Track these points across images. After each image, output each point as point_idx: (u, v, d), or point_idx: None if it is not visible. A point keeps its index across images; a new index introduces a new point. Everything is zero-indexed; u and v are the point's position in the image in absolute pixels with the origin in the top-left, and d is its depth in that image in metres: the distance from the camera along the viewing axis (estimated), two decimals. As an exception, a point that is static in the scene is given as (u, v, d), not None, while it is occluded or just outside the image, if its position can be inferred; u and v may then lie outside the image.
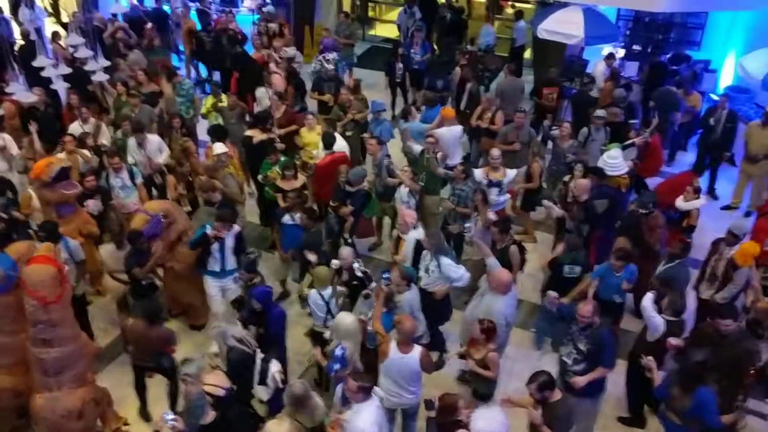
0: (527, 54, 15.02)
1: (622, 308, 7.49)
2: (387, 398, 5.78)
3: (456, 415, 5.33)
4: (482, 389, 6.28)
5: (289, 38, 13.58)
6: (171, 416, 5.20)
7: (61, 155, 8.89)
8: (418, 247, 7.40)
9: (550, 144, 10.42)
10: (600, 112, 9.97)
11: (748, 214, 10.19)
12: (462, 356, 6.65)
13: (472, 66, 12.40)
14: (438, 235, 7.44)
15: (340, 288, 6.93)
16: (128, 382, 7.01)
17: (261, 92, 11.08)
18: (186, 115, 11.01)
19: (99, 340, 7.86)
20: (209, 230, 7.37)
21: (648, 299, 6.53)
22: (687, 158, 11.70)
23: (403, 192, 8.78)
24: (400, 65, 12.92)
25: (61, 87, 10.21)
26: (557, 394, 5.49)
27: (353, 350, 6.24)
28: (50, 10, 17.33)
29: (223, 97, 10.77)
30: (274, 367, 6.23)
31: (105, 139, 9.94)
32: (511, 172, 9.00)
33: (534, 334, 8.19)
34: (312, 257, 7.49)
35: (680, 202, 8.44)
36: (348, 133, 10.18)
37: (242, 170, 9.66)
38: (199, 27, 14.55)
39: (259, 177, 9.14)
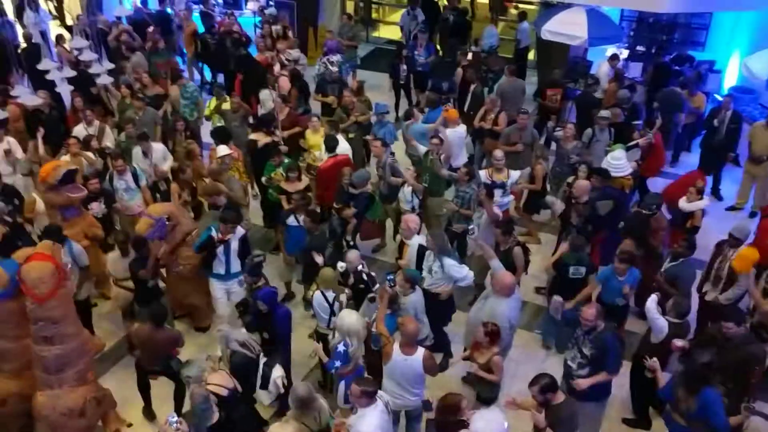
0: (531, 55, 15.00)
1: (626, 311, 7.47)
2: (391, 401, 5.77)
3: (459, 415, 5.32)
4: (485, 393, 6.27)
5: (292, 40, 13.60)
6: (175, 419, 5.21)
7: (66, 158, 8.92)
8: (422, 252, 7.39)
9: (553, 145, 10.41)
10: (604, 113, 9.96)
11: (753, 215, 10.16)
12: (467, 359, 6.65)
13: (476, 67, 12.40)
14: (441, 236, 7.44)
15: (344, 289, 6.93)
16: (132, 384, 7.02)
17: (265, 94, 11.10)
18: (190, 118, 11.05)
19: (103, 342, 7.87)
20: (214, 233, 7.40)
21: (652, 301, 6.51)
22: (691, 159, 11.66)
23: (406, 192, 8.78)
24: (404, 67, 12.93)
25: (65, 90, 10.26)
26: (560, 397, 5.48)
27: (357, 347, 6.25)
28: (55, 13, 17.43)
29: (227, 99, 10.79)
30: (276, 372, 6.25)
31: (109, 141, 9.98)
32: (515, 174, 9.00)
33: (539, 335, 8.19)
34: (319, 259, 7.50)
35: (683, 203, 8.42)
36: (351, 135, 10.19)
37: (246, 172, 9.67)
38: (202, 29, 14.57)
39: (263, 179, 9.16)
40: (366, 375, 6.59)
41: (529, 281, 8.67)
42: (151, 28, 13.33)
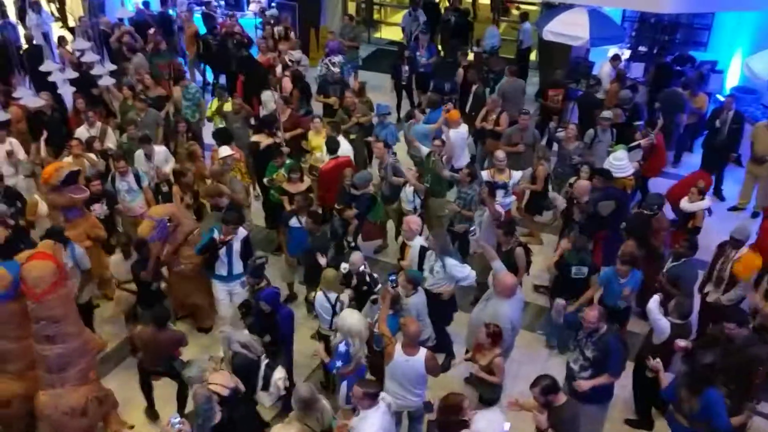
0: (533, 56, 15.01)
1: (628, 312, 7.45)
2: (393, 401, 5.77)
3: (461, 415, 5.32)
4: (487, 394, 6.26)
5: (294, 42, 13.61)
6: (177, 419, 5.22)
7: (68, 159, 8.94)
8: (423, 253, 7.40)
9: (555, 146, 10.40)
10: (606, 114, 9.95)
11: (755, 215, 10.15)
12: (469, 360, 6.64)
13: (478, 68, 12.41)
14: (443, 235, 7.45)
15: (344, 290, 6.93)
16: (134, 386, 7.03)
17: (267, 95, 11.11)
18: (192, 119, 11.06)
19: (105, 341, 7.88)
20: (216, 235, 7.40)
21: (654, 302, 6.50)
22: (693, 159, 11.65)
23: (408, 192, 8.79)
24: (406, 68, 12.94)
25: (67, 91, 10.26)
26: (562, 398, 5.46)
27: (359, 347, 6.25)
28: (57, 14, 17.48)
29: (228, 100, 10.80)
30: (278, 374, 6.25)
31: (111, 143, 9.98)
32: (517, 174, 9.00)
33: (541, 335, 8.19)
34: (322, 260, 7.51)
35: (685, 204, 8.42)
36: (352, 136, 10.19)
37: (248, 173, 9.68)
38: (203, 31, 14.59)
39: (265, 180, 9.16)
40: (369, 375, 6.61)
41: (529, 281, 8.66)
42: (152, 30, 13.35)
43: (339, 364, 6.17)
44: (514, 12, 17.31)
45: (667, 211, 8.69)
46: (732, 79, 13.54)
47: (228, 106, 10.66)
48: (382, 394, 5.47)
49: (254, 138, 9.97)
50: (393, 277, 6.65)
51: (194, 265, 7.78)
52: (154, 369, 6.79)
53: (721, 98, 12.10)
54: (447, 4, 15.95)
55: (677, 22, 13.71)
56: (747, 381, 6.10)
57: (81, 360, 6.15)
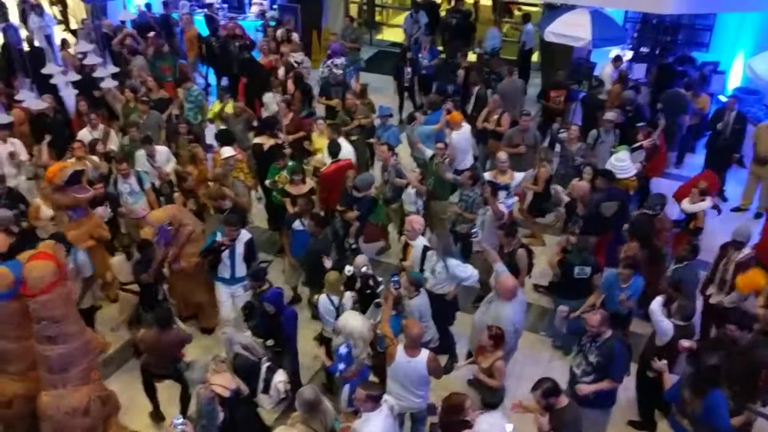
0: (535, 57, 15.01)
1: (630, 315, 7.43)
2: (396, 403, 5.76)
3: (463, 415, 5.32)
4: (489, 398, 6.21)
5: (296, 44, 13.62)
6: (180, 420, 5.21)
7: (71, 162, 8.94)
8: (425, 253, 7.39)
9: (558, 147, 10.40)
10: (609, 115, 9.94)
11: (758, 216, 10.14)
12: (473, 362, 6.63)
13: (479, 69, 12.41)
14: (446, 235, 7.44)
15: (344, 293, 6.94)
16: (137, 388, 7.02)
17: (268, 97, 11.12)
18: (194, 121, 11.07)
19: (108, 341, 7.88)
20: (219, 237, 7.41)
21: (657, 303, 6.49)
22: (695, 160, 11.64)
23: (410, 194, 8.78)
24: (409, 70, 12.94)
25: (69, 94, 10.27)
26: (563, 401, 5.45)
27: (362, 349, 6.25)
28: (59, 17, 17.51)
29: (230, 103, 10.81)
30: (278, 377, 6.25)
31: (114, 145, 9.99)
32: (519, 176, 8.99)
33: (544, 336, 8.18)
34: (327, 263, 7.52)
35: (686, 204, 8.42)
36: (353, 138, 10.18)
37: (250, 173, 9.68)
38: (206, 33, 14.60)
39: (267, 182, 9.16)
40: (372, 377, 6.61)
41: (530, 281, 8.65)
42: (151, 33, 13.37)
43: (342, 366, 6.17)
44: (516, 13, 17.31)
45: (673, 211, 8.72)
46: (734, 80, 13.53)
47: (229, 108, 10.67)
48: (385, 397, 5.47)
49: (256, 140, 9.98)
50: (396, 278, 6.65)
51: (196, 263, 7.77)
52: (159, 372, 6.77)
53: (724, 99, 12.09)
54: (448, 5, 15.93)
55: (679, 23, 13.71)
56: (751, 383, 6.10)
57: (83, 360, 6.15)
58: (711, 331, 7.65)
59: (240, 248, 7.51)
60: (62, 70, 10.04)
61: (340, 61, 12.29)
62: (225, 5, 17.15)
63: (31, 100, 9.38)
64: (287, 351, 6.84)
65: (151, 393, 6.99)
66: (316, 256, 7.69)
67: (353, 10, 17.70)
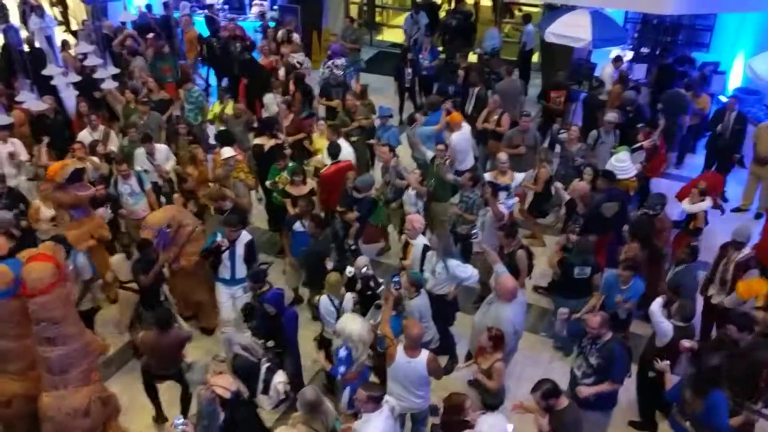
0: (535, 57, 15.02)
1: (629, 316, 7.44)
2: (396, 403, 5.76)
3: (463, 414, 5.32)
4: (489, 399, 6.22)
5: (297, 44, 13.62)
6: (181, 421, 5.22)
7: (72, 160, 8.95)
8: (426, 252, 7.40)
9: (558, 147, 10.40)
10: (611, 116, 9.94)
11: (758, 216, 10.13)
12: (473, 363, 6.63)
13: (479, 70, 12.42)
14: (446, 236, 7.44)
15: (348, 294, 6.94)
16: (137, 388, 7.01)
17: (269, 98, 11.13)
18: (194, 122, 11.08)
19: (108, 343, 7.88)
20: (220, 238, 7.42)
21: (657, 304, 6.49)
22: (696, 161, 11.64)
23: (411, 195, 8.78)
24: (409, 71, 12.95)
25: (69, 95, 10.27)
26: (563, 402, 5.44)
27: (361, 351, 6.25)
28: (60, 18, 17.52)
29: (229, 104, 10.81)
30: (278, 377, 6.24)
31: (114, 146, 10.00)
32: (519, 176, 8.99)
33: (544, 337, 8.18)
34: (330, 265, 7.52)
35: (686, 205, 8.41)
36: (353, 139, 10.18)
37: (251, 172, 9.67)
38: (206, 34, 14.62)
39: (268, 183, 9.16)
40: (372, 377, 6.61)
41: (530, 282, 8.65)
42: (150, 35, 13.38)
43: (342, 369, 6.16)
44: (516, 13, 17.32)
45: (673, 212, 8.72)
46: (734, 80, 13.53)
47: (229, 109, 10.67)
48: (386, 398, 5.47)
49: (257, 140, 9.99)
50: (396, 279, 6.65)
51: (195, 262, 7.77)
52: (161, 373, 6.76)
53: (724, 99, 12.09)
54: (448, 6, 15.94)
55: (679, 23, 13.71)
56: (752, 384, 6.10)
57: (83, 361, 6.14)
58: (712, 331, 7.66)
59: (240, 249, 7.51)
60: (63, 71, 10.05)
61: (341, 61, 12.30)
62: (226, 6, 17.17)
63: (31, 101, 9.39)
64: (288, 352, 6.84)
65: (152, 395, 6.97)
66: (317, 258, 7.70)
67: (353, 10, 17.71)
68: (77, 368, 6.09)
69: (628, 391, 6.96)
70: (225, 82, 13.36)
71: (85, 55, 10.34)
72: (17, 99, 9.93)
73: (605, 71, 12.42)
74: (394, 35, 18.03)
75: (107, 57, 10.06)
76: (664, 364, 6.03)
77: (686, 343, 6.23)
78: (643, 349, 6.84)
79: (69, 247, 7.17)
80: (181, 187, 9.15)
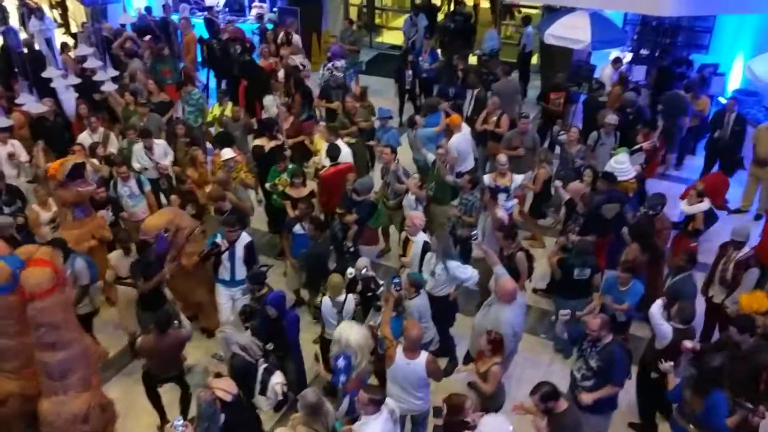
0: (534, 59, 15.03)
1: (629, 318, 7.43)
2: (396, 405, 5.75)
3: (462, 415, 5.31)
4: (487, 402, 6.20)
5: (297, 46, 13.62)
6: (181, 422, 5.21)
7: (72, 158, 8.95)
8: (426, 249, 7.41)
9: (558, 149, 10.40)
10: (611, 118, 9.94)
11: (758, 218, 10.14)
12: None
13: (478, 72, 12.42)
14: (446, 238, 7.45)
15: (350, 295, 6.93)
16: (137, 391, 7.00)
17: (269, 100, 11.12)
18: (194, 124, 11.08)
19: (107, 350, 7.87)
20: (219, 239, 7.41)
21: (656, 306, 6.48)
22: (695, 162, 11.64)
23: (410, 199, 8.77)
24: (410, 73, 12.95)
25: (69, 97, 10.28)
26: (563, 405, 5.41)
27: (361, 359, 6.24)
28: (60, 20, 17.53)
29: (228, 106, 10.81)
30: (275, 378, 6.23)
31: (114, 148, 10.02)
32: (519, 178, 8.99)
33: (544, 339, 8.18)
34: (332, 266, 7.51)
35: (684, 206, 8.41)
36: (352, 141, 10.18)
37: (250, 172, 9.67)
38: (206, 36, 14.63)
39: (267, 185, 9.16)
40: (372, 379, 6.60)
41: (530, 284, 8.64)
42: (147, 37, 13.37)
43: (343, 379, 6.13)
44: (516, 15, 17.34)
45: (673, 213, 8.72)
46: (734, 81, 13.53)
47: (228, 112, 10.68)
48: (388, 400, 5.46)
49: (256, 142, 9.99)
50: (397, 280, 6.65)
51: (196, 261, 7.76)
52: (162, 375, 6.72)
53: (724, 101, 12.10)
54: (446, 9, 15.96)
55: (679, 25, 13.71)
56: (752, 387, 6.09)
57: (82, 366, 6.11)
58: (714, 332, 7.66)
59: (240, 251, 7.51)
60: (62, 73, 10.04)
61: (341, 63, 12.31)
62: (226, 8, 17.18)
63: (31, 103, 9.39)
64: (290, 355, 6.84)
65: (155, 400, 6.88)
66: (316, 260, 7.69)
67: (353, 12, 17.73)
68: (77, 373, 6.07)
69: (627, 393, 6.95)
70: (224, 84, 13.40)
71: (84, 57, 10.34)
72: (17, 101, 9.92)
73: (605, 73, 12.43)
74: (393, 37, 18.04)
75: (107, 59, 10.05)
76: (668, 365, 6.02)
77: (688, 343, 6.23)
78: (644, 351, 6.84)
79: (67, 252, 7.16)
80: (179, 187, 9.15)
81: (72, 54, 12.57)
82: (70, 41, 14.37)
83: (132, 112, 10.65)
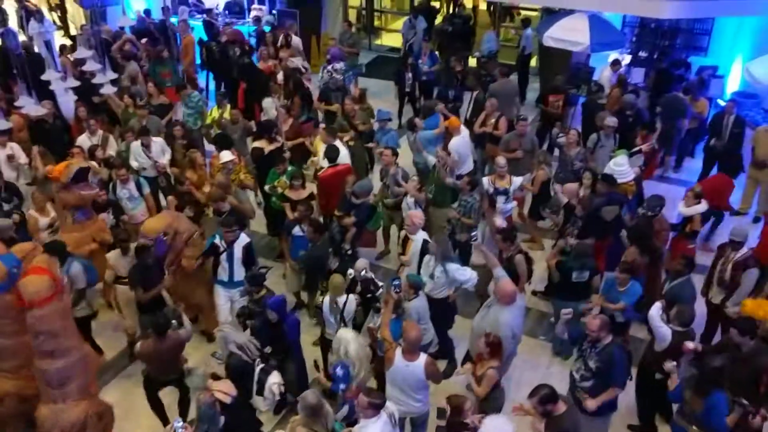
0: (533, 62, 15.04)
1: (628, 319, 7.43)
2: (395, 407, 5.74)
3: (462, 416, 5.31)
4: (484, 406, 6.19)
5: (296, 48, 13.62)
6: (180, 424, 5.21)
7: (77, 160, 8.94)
8: (425, 248, 7.41)
9: (557, 151, 10.40)
10: (611, 121, 9.94)
11: (756, 220, 10.14)
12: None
13: (476, 74, 12.42)
14: (445, 241, 7.45)
15: (351, 295, 6.93)
16: (136, 393, 6.99)
17: (268, 102, 11.14)
18: (194, 127, 11.08)
19: (105, 352, 7.87)
20: (218, 240, 7.41)
21: (656, 309, 6.48)
22: (694, 164, 11.65)
23: (409, 202, 8.77)
24: (410, 75, 12.96)
25: (68, 100, 10.28)
26: (561, 407, 5.40)
27: (359, 368, 6.25)
28: (59, 23, 17.54)
29: (227, 109, 10.82)
30: (272, 379, 6.22)
31: (113, 151, 10.01)
32: (518, 180, 9.00)
33: (543, 341, 8.18)
34: (333, 265, 7.51)
35: (682, 208, 8.42)
36: (351, 143, 10.16)
37: (249, 173, 9.67)
38: (205, 38, 14.64)
39: (267, 187, 9.16)
40: (372, 381, 6.60)
41: (529, 286, 8.64)
42: (144, 40, 13.36)
43: (343, 386, 6.13)
44: (516, 17, 17.36)
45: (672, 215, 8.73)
46: (733, 83, 13.55)
47: (227, 114, 10.68)
48: (387, 404, 5.45)
49: (255, 144, 9.99)
50: (397, 282, 6.65)
51: (195, 264, 7.75)
52: (162, 378, 6.70)
53: (722, 103, 12.11)
54: (445, 11, 15.97)
55: (677, 27, 13.73)
56: (753, 389, 6.09)
57: (81, 374, 6.10)
58: (715, 334, 7.67)
59: (238, 252, 7.51)
60: (61, 76, 10.05)
61: (340, 65, 12.32)
62: (226, 11, 17.19)
63: (30, 106, 9.40)
64: (291, 358, 6.83)
65: (157, 406, 6.82)
66: (315, 262, 7.69)
67: (352, 15, 17.73)
68: (75, 381, 6.05)
69: (627, 395, 6.94)
70: (223, 87, 13.39)
71: (83, 60, 10.35)
72: (16, 104, 9.93)
73: (603, 75, 12.44)
74: (392, 39, 18.05)
75: (106, 62, 10.06)
76: (671, 365, 6.01)
77: (690, 344, 6.23)
78: (643, 353, 6.84)
79: (64, 256, 7.11)
80: (177, 188, 9.15)
81: (71, 56, 12.56)
82: (69, 44, 14.38)
83: (131, 115, 10.65)
